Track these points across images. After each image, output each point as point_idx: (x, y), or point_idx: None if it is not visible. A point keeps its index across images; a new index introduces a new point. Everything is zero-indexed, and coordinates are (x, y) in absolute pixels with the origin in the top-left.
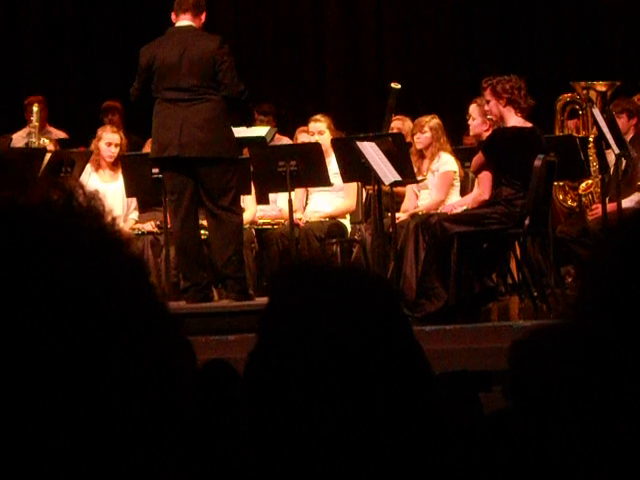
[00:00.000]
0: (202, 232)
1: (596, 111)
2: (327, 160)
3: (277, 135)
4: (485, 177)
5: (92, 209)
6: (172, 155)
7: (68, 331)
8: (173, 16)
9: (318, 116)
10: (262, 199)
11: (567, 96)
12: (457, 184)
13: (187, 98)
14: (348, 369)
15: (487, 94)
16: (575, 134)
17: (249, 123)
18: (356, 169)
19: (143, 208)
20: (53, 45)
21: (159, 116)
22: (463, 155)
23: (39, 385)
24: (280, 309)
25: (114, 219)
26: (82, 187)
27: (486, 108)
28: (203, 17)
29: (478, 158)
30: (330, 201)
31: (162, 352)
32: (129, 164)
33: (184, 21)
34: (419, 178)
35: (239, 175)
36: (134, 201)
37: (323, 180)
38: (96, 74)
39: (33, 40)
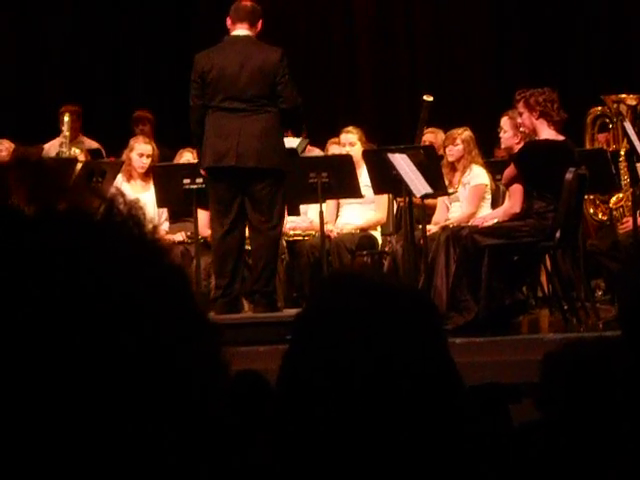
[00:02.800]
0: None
1: (627, 124)
2: (358, 172)
3: (308, 146)
4: (516, 190)
5: (132, 217)
6: (229, 165)
7: (110, 338)
8: (229, 22)
9: (350, 128)
10: (293, 210)
11: (597, 109)
12: (488, 197)
13: (246, 108)
14: (381, 380)
15: (520, 106)
16: (606, 147)
17: (299, 135)
18: (387, 181)
19: (174, 219)
20: (85, 54)
21: (214, 125)
22: (494, 168)
23: (77, 391)
24: (318, 317)
25: (155, 227)
26: (122, 195)
27: (519, 120)
28: (259, 25)
29: (510, 170)
30: (361, 213)
31: (203, 360)
32: (160, 175)
33: (241, 30)
34: (450, 191)
35: (285, 190)
36: (165, 212)
37: (354, 192)
38: (127, 84)
39: (66, 49)
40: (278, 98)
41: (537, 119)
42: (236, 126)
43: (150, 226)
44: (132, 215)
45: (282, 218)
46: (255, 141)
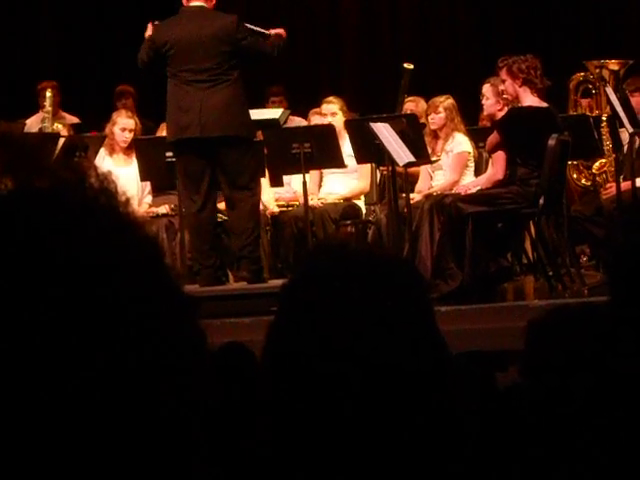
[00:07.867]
0: (219, 215)
1: (609, 90)
2: (340, 142)
3: (290, 116)
4: (500, 157)
5: (105, 190)
6: (193, 136)
7: (83, 313)
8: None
9: (331, 98)
10: (276, 181)
11: (580, 75)
12: (471, 165)
13: (205, 79)
14: (367, 349)
15: (503, 74)
16: (588, 113)
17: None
18: (370, 150)
19: (157, 192)
20: (67, 30)
21: (176, 98)
22: (477, 135)
23: (51, 371)
24: (303, 287)
25: (128, 200)
26: (95, 168)
27: (502, 88)
28: None
29: (493, 137)
30: (344, 183)
31: (179, 334)
32: (143, 148)
33: (196, 2)
34: (433, 159)
35: (256, 157)
36: (148, 185)
37: (337, 162)
38: (108, 59)
39: (47, 25)
40: (255, 55)
41: (520, 86)
42: (197, 98)
43: (123, 198)
44: (105, 189)
45: (257, 182)
46: (218, 112)
